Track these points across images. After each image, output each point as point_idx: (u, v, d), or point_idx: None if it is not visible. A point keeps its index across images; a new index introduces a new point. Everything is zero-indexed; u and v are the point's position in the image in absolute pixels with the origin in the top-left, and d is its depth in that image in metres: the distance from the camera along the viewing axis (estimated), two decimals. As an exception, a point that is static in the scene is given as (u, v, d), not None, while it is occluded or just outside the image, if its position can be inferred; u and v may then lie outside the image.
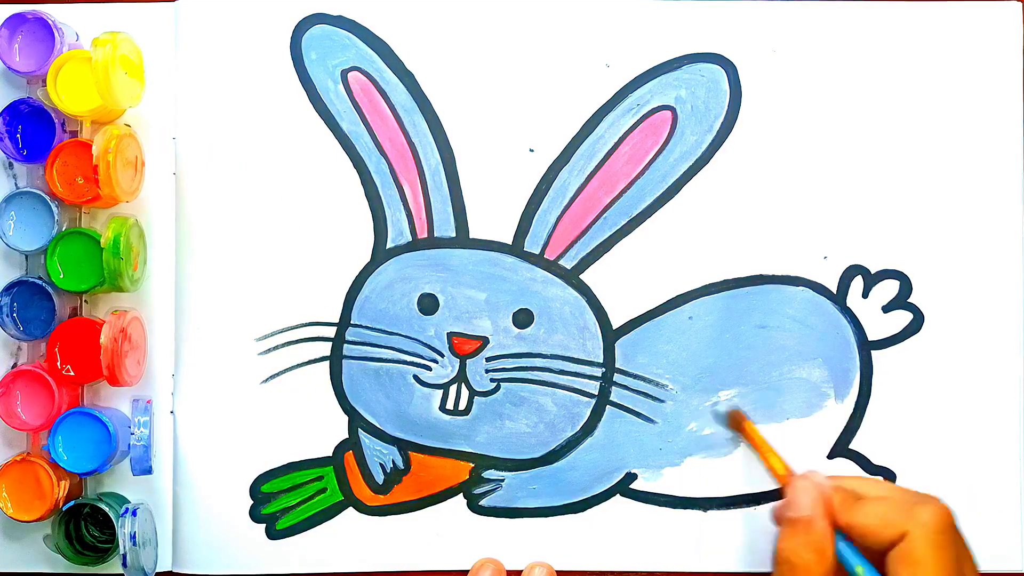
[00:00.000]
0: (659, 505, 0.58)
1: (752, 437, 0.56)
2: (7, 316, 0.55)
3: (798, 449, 0.57)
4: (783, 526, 0.50)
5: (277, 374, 0.57)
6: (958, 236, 0.58)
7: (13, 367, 0.57)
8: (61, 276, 0.55)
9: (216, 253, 0.57)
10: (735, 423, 0.57)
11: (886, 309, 0.58)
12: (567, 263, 0.57)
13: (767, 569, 0.57)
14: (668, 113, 0.57)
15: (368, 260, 0.57)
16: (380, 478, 0.58)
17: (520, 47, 0.57)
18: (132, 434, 0.56)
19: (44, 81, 0.55)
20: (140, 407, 0.56)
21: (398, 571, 0.58)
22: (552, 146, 0.57)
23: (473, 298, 0.57)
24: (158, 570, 0.57)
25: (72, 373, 0.56)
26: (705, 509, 0.58)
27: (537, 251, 0.57)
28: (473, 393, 0.57)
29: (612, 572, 0.58)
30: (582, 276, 0.57)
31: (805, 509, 0.50)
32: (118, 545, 0.55)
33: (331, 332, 0.57)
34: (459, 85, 0.57)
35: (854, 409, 0.57)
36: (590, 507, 0.58)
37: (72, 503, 0.56)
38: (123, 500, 0.57)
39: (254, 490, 0.57)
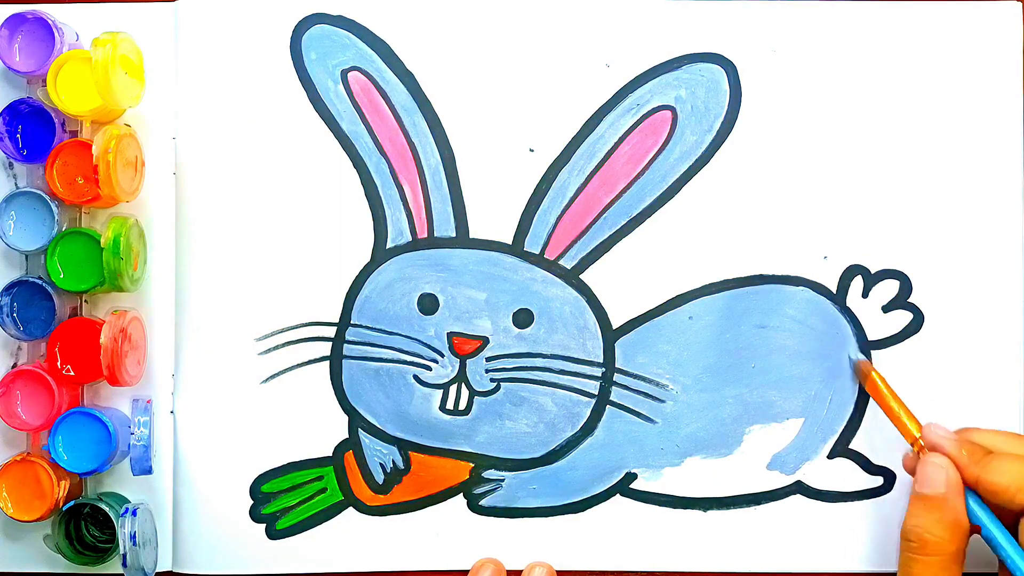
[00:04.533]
0: (659, 505, 0.58)
1: (879, 393, 0.54)
2: (7, 316, 0.55)
3: (798, 449, 0.57)
4: (914, 502, 0.50)
5: (277, 374, 0.57)
6: (958, 236, 0.58)
7: (13, 367, 0.57)
8: (61, 276, 0.55)
9: (216, 253, 0.57)
10: (862, 375, 0.56)
11: (886, 309, 0.58)
12: (567, 263, 0.57)
13: (767, 569, 0.58)
14: (668, 113, 0.57)
15: (368, 260, 0.57)
16: (380, 478, 0.58)
17: (520, 47, 0.57)
18: (132, 434, 0.56)
19: (44, 81, 0.55)
20: (140, 407, 0.56)
21: (398, 571, 0.58)
22: (552, 146, 0.57)
23: (473, 298, 0.57)
24: (158, 570, 0.57)
25: (72, 373, 0.56)
26: (705, 509, 0.58)
27: (537, 251, 0.57)
28: (473, 393, 0.57)
29: (612, 572, 0.58)
30: (582, 276, 0.57)
31: (939, 487, 0.49)
32: (118, 545, 0.55)
33: (331, 332, 0.57)
34: (459, 85, 0.57)
35: (854, 409, 0.57)
36: (590, 507, 0.58)
37: (72, 503, 0.56)
38: (123, 500, 0.57)
39: (254, 490, 0.57)
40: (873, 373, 0.55)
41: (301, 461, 0.57)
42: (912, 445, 0.53)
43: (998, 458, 0.50)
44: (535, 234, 0.57)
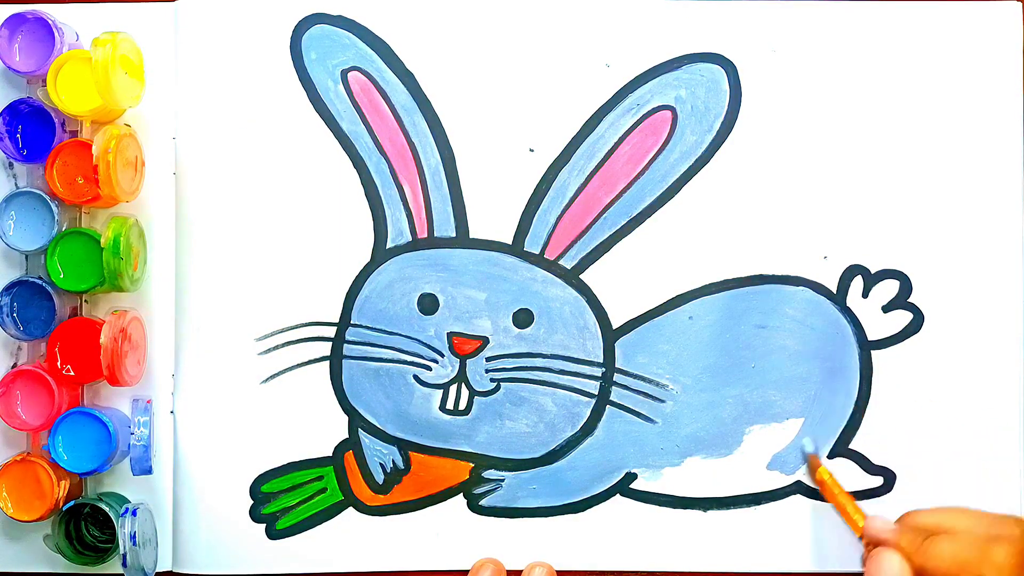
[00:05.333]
0: (659, 505, 0.58)
1: (827, 488, 0.56)
2: (7, 316, 0.55)
3: (798, 449, 0.57)
4: None
5: (277, 374, 0.57)
6: (958, 236, 0.58)
7: (13, 367, 0.57)
8: (61, 276, 0.55)
9: (216, 253, 0.57)
10: (811, 468, 0.57)
11: (886, 309, 0.58)
12: (567, 263, 0.57)
13: (767, 569, 0.58)
14: (668, 113, 0.57)
15: (368, 260, 0.57)
16: (380, 478, 0.58)
17: (520, 47, 0.57)
18: (132, 434, 0.56)
19: (44, 81, 0.55)
20: (140, 407, 0.56)
21: (398, 571, 0.58)
22: (552, 146, 0.57)
23: (473, 298, 0.57)
24: (158, 570, 0.57)
25: (72, 373, 0.56)
26: (705, 509, 0.58)
27: (537, 251, 0.57)
28: (473, 393, 0.57)
29: (612, 572, 0.58)
30: (582, 276, 0.57)
31: None
32: (118, 545, 0.55)
33: (331, 332, 0.57)
34: (459, 85, 0.57)
35: (854, 409, 0.57)
36: (590, 507, 0.58)
37: (72, 503, 0.56)
38: (123, 500, 0.57)
39: (254, 490, 0.57)
40: (821, 468, 0.56)
41: (301, 461, 0.57)
42: (860, 538, 0.54)
43: (934, 542, 0.50)
44: (535, 234, 0.57)
